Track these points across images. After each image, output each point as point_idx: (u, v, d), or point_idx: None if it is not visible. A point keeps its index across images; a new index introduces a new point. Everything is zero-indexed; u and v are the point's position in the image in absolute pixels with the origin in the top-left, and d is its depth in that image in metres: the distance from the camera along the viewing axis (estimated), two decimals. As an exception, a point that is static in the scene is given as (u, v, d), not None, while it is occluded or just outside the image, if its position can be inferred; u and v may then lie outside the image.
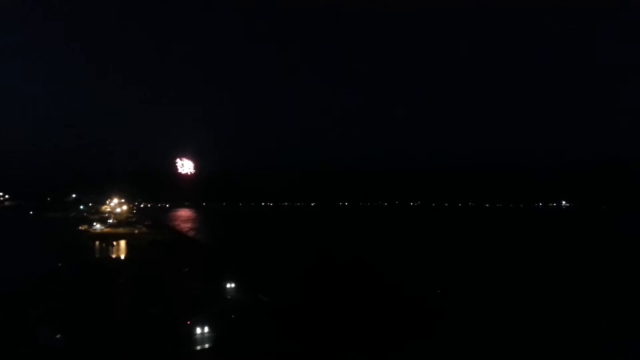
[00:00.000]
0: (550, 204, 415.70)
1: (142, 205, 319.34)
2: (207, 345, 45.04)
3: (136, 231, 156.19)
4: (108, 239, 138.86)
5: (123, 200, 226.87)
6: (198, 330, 46.73)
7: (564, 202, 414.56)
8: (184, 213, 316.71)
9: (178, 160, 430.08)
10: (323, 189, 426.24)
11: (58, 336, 44.75)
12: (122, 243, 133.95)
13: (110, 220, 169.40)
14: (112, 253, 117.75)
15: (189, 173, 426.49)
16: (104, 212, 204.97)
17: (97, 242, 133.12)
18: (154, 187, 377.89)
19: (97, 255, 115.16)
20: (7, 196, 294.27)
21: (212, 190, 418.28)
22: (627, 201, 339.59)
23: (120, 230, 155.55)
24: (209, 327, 47.65)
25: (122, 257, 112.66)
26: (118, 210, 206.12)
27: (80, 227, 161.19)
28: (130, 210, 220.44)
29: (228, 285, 67.17)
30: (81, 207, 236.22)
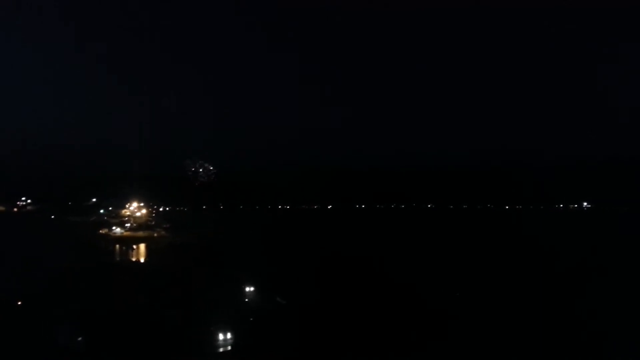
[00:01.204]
0: (572, 206, 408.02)
1: (161, 209, 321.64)
2: (226, 349, 45.25)
3: (155, 234, 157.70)
4: (128, 242, 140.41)
5: (142, 204, 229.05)
6: (217, 333, 46.96)
7: (585, 204, 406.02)
8: (202, 216, 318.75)
9: (193, 165, 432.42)
10: (339, 191, 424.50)
11: (79, 338, 45.30)
12: (142, 246, 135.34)
13: (129, 224, 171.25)
14: (132, 256, 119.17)
15: (208, 178, 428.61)
16: (124, 216, 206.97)
17: (117, 245, 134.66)
18: (173, 190, 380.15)
19: (117, 258, 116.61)
20: (29, 201, 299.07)
21: (229, 193, 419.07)
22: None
23: (140, 233, 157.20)
24: (228, 331, 47.86)
25: (142, 260, 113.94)
26: (138, 214, 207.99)
27: (100, 231, 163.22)
28: (149, 214, 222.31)
29: (246, 288, 67.46)
30: (101, 211, 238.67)
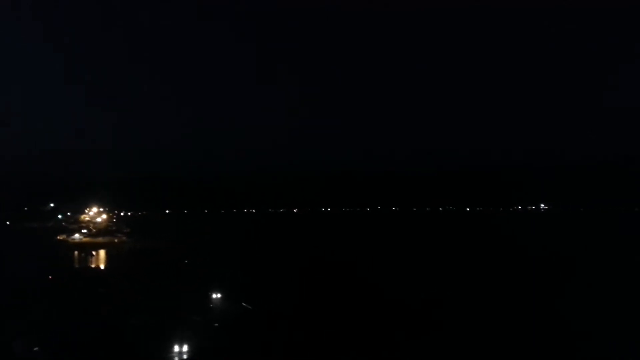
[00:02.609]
0: (530, 207, 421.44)
1: (122, 214, 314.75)
2: (190, 356, 44.38)
3: (116, 240, 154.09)
4: (87, 248, 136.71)
5: (102, 209, 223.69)
6: (181, 340, 46.05)
7: (542, 205, 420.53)
8: (165, 221, 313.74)
9: None
10: (312, 194, 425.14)
11: (36, 349, 43.76)
12: (102, 252, 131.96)
13: (85, 230, 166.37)
14: (92, 262, 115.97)
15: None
16: (83, 222, 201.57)
17: (76, 252, 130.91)
18: (135, 194, 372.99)
19: (77, 265, 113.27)
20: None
21: (194, 196, 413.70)
22: (606, 202, 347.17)
23: (100, 239, 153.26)
24: (192, 338, 47.06)
25: (102, 266, 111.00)
26: (97, 219, 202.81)
27: (59, 237, 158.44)
28: (109, 219, 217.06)
29: (211, 294, 66.55)
30: (59, 216, 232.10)
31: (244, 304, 63.45)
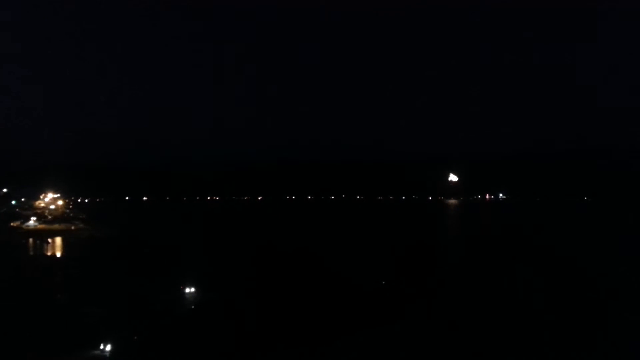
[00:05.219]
0: (489, 197, 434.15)
1: (78, 200, 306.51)
2: (146, 345, 43.64)
3: (73, 227, 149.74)
4: (43, 235, 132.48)
5: (58, 195, 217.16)
6: (136, 329, 45.26)
7: (501, 195, 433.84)
8: (123, 208, 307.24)
9: None
10: (271, 183, 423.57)
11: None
12: (58, 240, 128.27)
13: (35, 217, 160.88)
14: (47, 250, 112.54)
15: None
16: (38, 208, 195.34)
17: (31, 239, 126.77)
18: (92, 182, 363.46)
19: (31, 253, 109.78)
20: None
21: (154, 183, 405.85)
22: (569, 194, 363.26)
23: (56, 226, 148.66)
24: (151, 327, 46.36)
25: (58, 254, 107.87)
26: (53, 206, 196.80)
27: (12, 224, 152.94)
28: (66, 205, 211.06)
29: (172, 283, 65.61)
30: (13, 202, 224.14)
31: (208, 293, 62.81)
